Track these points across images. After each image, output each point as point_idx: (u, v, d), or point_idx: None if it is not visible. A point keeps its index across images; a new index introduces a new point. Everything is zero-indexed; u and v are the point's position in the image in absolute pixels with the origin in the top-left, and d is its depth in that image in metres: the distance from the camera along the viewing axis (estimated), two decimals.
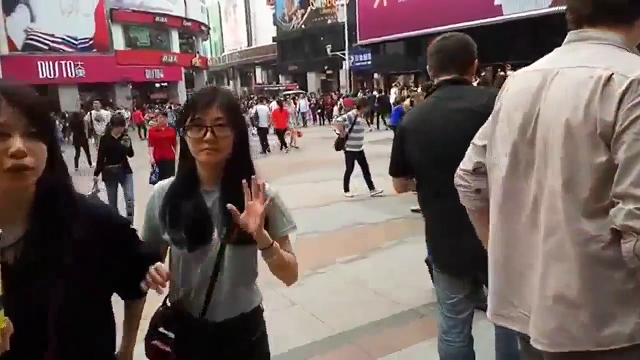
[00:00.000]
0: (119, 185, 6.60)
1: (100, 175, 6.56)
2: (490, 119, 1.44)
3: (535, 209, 1.27)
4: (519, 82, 1.37)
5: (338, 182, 7.87)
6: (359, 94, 25.78)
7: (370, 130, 20.15)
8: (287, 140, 14.58)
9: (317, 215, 6.74)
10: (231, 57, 60.63)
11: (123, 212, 6.06)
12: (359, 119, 7.84)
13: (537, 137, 1.26)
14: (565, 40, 1.31)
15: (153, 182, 6.61)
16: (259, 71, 57.95)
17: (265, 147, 14.28)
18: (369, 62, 29.21)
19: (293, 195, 7.72)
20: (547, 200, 1.23)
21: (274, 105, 16.58)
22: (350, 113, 7.86)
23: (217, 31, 63.32)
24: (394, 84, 26.60)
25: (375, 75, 32.43)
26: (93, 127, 13.08)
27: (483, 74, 21.70)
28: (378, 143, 14.09)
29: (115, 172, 6.41)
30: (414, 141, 2.13)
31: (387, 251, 5.20)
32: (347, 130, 7.61)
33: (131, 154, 6.58)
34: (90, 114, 13.66)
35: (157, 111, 17.79)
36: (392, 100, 25.70)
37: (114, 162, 6.38)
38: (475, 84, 9.59)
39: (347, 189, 7.81)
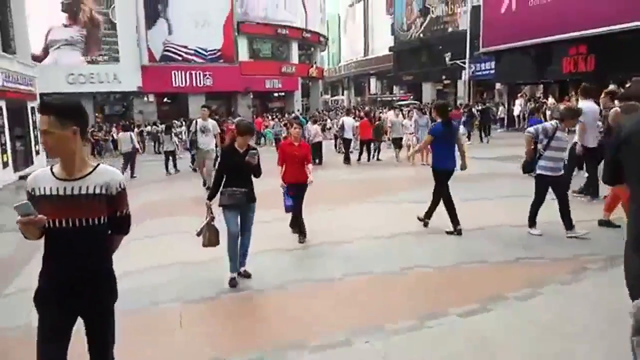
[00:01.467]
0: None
1: (218, 198, 4.82)
2: None
3: None
4: None
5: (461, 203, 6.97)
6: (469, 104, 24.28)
7: (468, 143, 19.11)
8: (417, 158, 12.69)
9: (424, 244, 5.86)
10: (347, 67, 61.32)
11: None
12: (559, 134, 5.65)
13: None
14: None
15: (287, 209, 6.14)
16: (373, 81, 57.87)
17: (346, 158, 14.38)
18: (491, 71, 27.32)
19: (394, 215, 7.28)
20: None
21: (391, 114, 16.24)
22: (547, 124, 5.82)
23: (335, 42, 64.55)
24: (519, 95, 24.61)
25: (498, 85, 30.35)
26: (196, 137, 10.41)
27: (628, 85, 19.17)
28: (496, 160, 12.98)
29: (238, 196, 4.70)
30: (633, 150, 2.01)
31: (516, 303, 3.97)
32: (539, 146, 5.68)
33: (258, 173, 4.89)
34: (196, 122, 10.84)
35: (291, 117, 18.00)
36: (515, 112, 23.86)
37: (236, 183, 4.74)
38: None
39: (532, 224, 5.94)
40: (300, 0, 37.84)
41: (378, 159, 14.42)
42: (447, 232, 6.13)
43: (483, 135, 19.61)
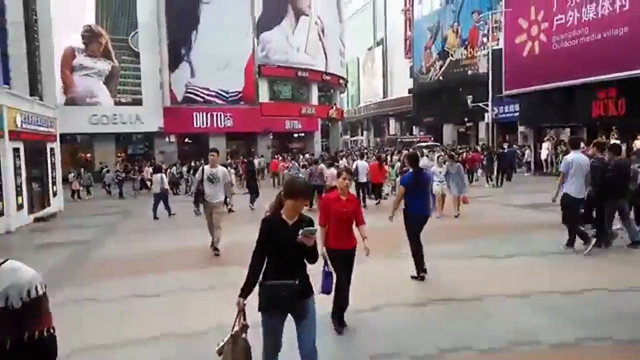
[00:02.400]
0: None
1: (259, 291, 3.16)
2: None
3: None
4: None
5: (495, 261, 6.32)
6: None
7: (486, 186, 18.80)
8: (454, 209, 11.62)
9: (463, 314, 5.14)
10: (366, 109, 61.67)
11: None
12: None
13: None
14: None
15: (327, 288, 4.14)
16: (392, 122, 57.96)
17: (362, 201, 13.74)
18: (515, 114, 26.83)
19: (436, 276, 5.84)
20: None
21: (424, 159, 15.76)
22: None
23: (355, 84, 65.25)
24: (545, 138, 23.93)
25: (521, 128, 29.76)
26: (203, 187, 8.33)
27: None
28: (527, 208, 12.23)
29: (284, 293, 3.09)
30: None
31: None
32: None
33: (313, 258, 3.20)
34: (202, 169, 8.59)
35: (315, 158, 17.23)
36: (543, 156, 23.13)
37: (281, 271, 3.12)
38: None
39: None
40: (320, 44, 38.39)
41: None
42: (412, 277, 6.28)
43: (500, 179, 19.11)
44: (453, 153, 14.70)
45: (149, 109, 31.10)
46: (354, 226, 4.72)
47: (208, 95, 32.77)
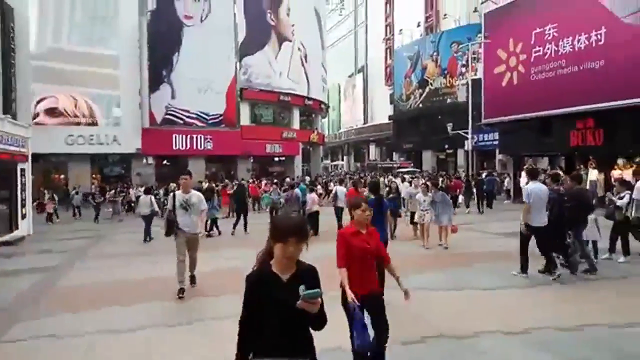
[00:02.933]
0: None
1: None
2: None
3: None
4: None
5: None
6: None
7: (466, 212, 19.17)
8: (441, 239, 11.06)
9: (462, 352, 4.95)
10: (347, 134, 62.04)
11: None
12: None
13: None
14: None
15: (363, 346, 3.45)
16: (372, 148, 58.33)
17: (340, 226, 13.43)
18: (495, 142, 27.16)
19: (410, 309, 5.33)
20: None
21: (405, 185, 15.82)
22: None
23: (336, 110, 65.77)
24: (524, 166, 24.16)
25: (499, 156, 30.14)
26: (175, 217, 7.23)
27: (638, 160, 18.77)
28: (509, 236, 12.07)
29: None
30: None
31: None
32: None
33: (319, 324, 2.45)
34: (173, 195, 7.48)
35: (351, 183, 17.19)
36: (522, 184, 23.29)
37: (276, 342, 2.39)
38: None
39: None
40: (302, 69, 38.62)
41: (393, 237, 11.96)
42: None
43: (481, 206, 19.94)
44: (436, 181, 14.40)
45: (127, 130, 30.49)
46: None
47: (188, 117, 32.36)
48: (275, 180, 22.66)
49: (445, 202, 10.33)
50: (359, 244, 3.89)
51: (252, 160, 36.39)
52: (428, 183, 12.10)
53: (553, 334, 5.14)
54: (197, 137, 32.40)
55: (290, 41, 37.13)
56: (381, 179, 20.32)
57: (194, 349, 5.13)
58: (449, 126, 30.50)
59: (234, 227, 14.68)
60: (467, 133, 28.22)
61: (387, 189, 14.27)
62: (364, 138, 57.12)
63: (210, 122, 32.97)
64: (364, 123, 58.80)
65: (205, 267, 8.49)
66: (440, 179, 21.18)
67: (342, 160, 66.29)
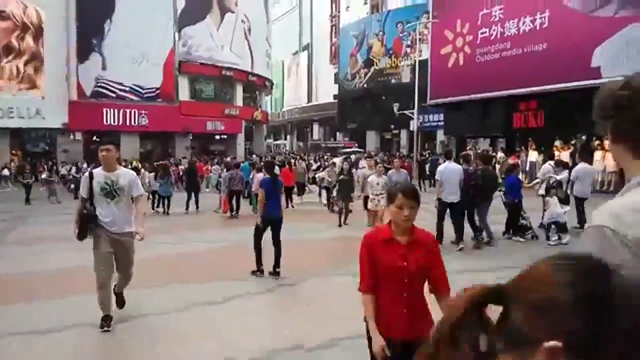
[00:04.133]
0: None
1: None
2: None
3: None
4: None
5: None
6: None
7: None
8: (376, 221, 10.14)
9: None
10: (290, 113, 61.06)
11: None
12: None
13: None
14: None
15: None
16: (316, 127, 57.78)
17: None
18: (439, 123, 27.46)
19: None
20: None
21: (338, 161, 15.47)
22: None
23: (279, 87, 64.42)
24: (468, 147, 24.56)
25: (440, 137, 30.57)
26: (93, 209, 4.82)
27: (573, 142, 19.48)
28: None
29: None
30: None
31: None
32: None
33: None
34: (90, 175, 4.94)
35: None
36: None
37: None
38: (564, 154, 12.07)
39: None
40: (246, 43, 37.05)
41: (345, 223, 11.26)
42: (252, 272, 6.75)
43: (423, 186, 19.37)
44: (397, 159, 13.05)
45: (51, 103, 27.89)
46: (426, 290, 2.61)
47: (121, 90, 30.16)
48: (216, 159, 21.62)
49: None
50: (391, 259, 2.50)
51: (191, 138, 34.68)
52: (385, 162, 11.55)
53: None
54: (130, 112, 30.32)
55: (234, 12, 35.41)
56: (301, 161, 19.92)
57: (129, 354, 4.34)
58: (395, 106, 30.44)
59: (187, 206, 14.47)
60: (412, 114, 28.26)
61: (339, 170, 13.62)
62: (308, 117, 56.40)
63: (145, 96, 30.93)
64: (308, 102, 58.02)
65: (149, 252, 7.55)
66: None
67: (285, 139, 65.34)
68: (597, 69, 17.01)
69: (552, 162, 10.32)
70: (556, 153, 18.23)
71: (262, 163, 15.56)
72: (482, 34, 21.42)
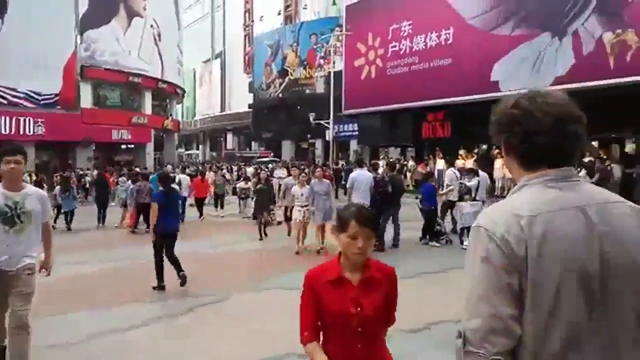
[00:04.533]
0: None
1: None
2: None
3: None
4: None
5: None
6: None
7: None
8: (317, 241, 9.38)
9: None
10: (203, 122, 59.51)
11: None
12: None
13: None
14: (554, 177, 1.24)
15: None
16: (230, 137, 56.79)
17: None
18: (354, 132, 28.19)
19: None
20: None
21: (289, 179, 15.10)
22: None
23: (191, 96, 62.54)
24: (381, 157, 25.44)
25: (354, 146, 31.40)
26: None
27: (476, 151, 20.94)
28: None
29: None
30: None
31: None
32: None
33: None
34: None
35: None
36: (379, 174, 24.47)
37: None
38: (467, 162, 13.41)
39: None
40: (155, 49, 35.49)
41: (265, 234, 10.59)
42: (153, 287, 6.47)
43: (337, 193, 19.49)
44: (318, 169, 12.67)
45: None
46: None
47: (14, 96, 27.39)
48: (122, 171, 20.29)
49: (329, 195, 9.26)
50: (340, 305, 1.99)
51: (94, 148, 32.31)
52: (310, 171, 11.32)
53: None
54: (25, 120, 27.57)
55: (142, 17, 33.75)
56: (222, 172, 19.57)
57: None
58: (311, 116, 30.81)
59: (99, 220, 13.55)
60: (328, 123, 28.76)
61: (256, 179, 13.33)
62: (222, 126, 55.29)
63: (42, 103, 28.36)
64: (222, 111, 56.95)
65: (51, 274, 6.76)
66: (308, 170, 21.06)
67: (198, 149, 63.45)
68: (496, 83, 18.45)
69: (454, 169, 11.13)
70: (460, 161, 19.51)
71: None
72: (392, 47, 22.39)
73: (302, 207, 9.00)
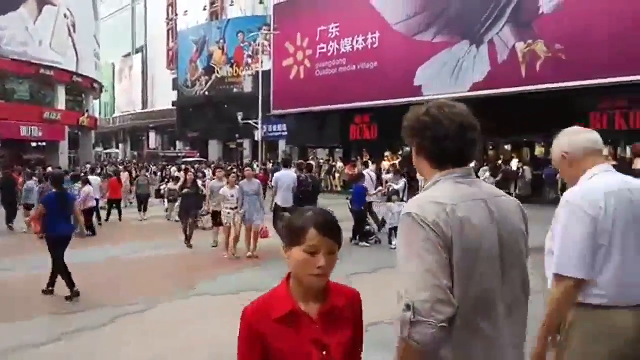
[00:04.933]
0: None
1: None
2: None
3: None
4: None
5: None
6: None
7: None
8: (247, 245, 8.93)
9: None
10: (123, 119, 56.58)
11: None
12: None
13: None
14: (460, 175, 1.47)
15: None
16: (153, 135, 54.47)
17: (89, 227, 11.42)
18: (283, 133, 28.10)
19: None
20: None
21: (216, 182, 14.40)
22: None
23: (109, 91, 59.19)
24: (310, 158, 25.57)
25: (283, 147, 31.35)
26: None
27: (401, 152, 21.70)
28: None
29: None
30: None
31: None
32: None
33: None
34: None
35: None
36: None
37: None
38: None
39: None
40: (70, 40, 33.15)
41: (190, 241, 9.97)
42: (66, 298, 6.06)
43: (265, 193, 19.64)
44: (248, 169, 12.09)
45: None
46: None
47: None
48: (28, 171, 18.64)
49: (258, 197, 8.63)
50: (298, 350, 1.41)
51: (0, 146, 29.60)
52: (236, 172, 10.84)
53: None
54: None
55: (55, 5, 31.40)
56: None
57: None
58: (240, 115, 30.30)
59: (9, 223, 12.42)
60: (257, 123, 28.43)
61: (182, 182, 12.72)
62: (143, 124, 52.90)
63: None
64: (143, 108, 54.51)
65: None
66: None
67: (118, 148, 60.21)
68: (419, 88, 19.23)
69: (370, 171, 11.94)
70: (386, 163, 20.15)
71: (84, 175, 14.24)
72: (320, 49, 22.58)
73: (231, 209, 8.65)
